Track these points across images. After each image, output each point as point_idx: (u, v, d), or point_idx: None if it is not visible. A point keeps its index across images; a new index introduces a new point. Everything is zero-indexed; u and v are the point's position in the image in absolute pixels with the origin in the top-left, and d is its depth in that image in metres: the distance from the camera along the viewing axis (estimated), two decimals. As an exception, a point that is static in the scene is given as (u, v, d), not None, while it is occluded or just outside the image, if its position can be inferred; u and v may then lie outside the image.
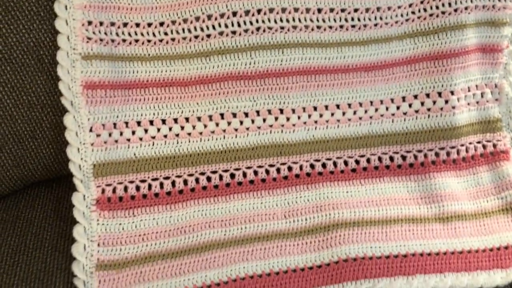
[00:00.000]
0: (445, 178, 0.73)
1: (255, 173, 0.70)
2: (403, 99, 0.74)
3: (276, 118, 0.70)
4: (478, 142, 0.76)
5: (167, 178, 0.68)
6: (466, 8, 0.71)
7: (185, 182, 0.68)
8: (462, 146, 0.74)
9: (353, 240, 0.66)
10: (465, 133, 0.74)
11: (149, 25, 0.66)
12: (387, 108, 0.74)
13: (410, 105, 0.74)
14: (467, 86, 0.74)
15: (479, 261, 0.66)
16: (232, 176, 0.70)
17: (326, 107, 0.72)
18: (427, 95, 0.73)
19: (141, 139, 0.67)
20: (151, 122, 0.68)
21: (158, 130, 0.68)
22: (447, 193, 0.72)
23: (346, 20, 0.69)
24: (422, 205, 0.72)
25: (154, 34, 0.66)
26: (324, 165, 0.72)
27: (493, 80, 0.76)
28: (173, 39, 0.67)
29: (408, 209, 0.71)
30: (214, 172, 0.69)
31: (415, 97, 0.74)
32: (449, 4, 0.70)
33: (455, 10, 0.70)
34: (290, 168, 0.71)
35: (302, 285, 0.63)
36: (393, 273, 0.64)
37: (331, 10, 0.69)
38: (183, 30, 0.67)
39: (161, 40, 0.67)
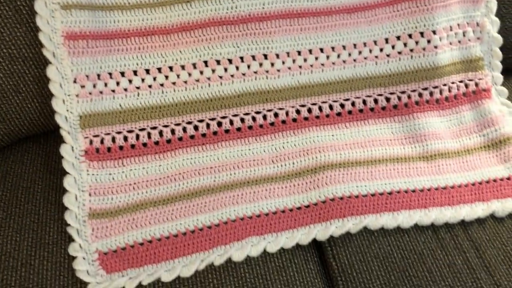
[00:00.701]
0: (428, 118, 0.75)
1: (242, 120, 0.71)
2: (386, 40, 0.74)
3: (261, 64, 0.70)
4: (461, 81, 0.77)
5: (154, 128, 0.68)
6: None
7: (173, 131, 0.69)
8: (445, 86, 0.75)
9: (339, 180, 0.68)
10: (448, 73, 0.75)
11: (127, -28, 0.65)
12: (370, 51, 0.74)
13: (393, 47, 0.74)
14: (449, 25, 0.74)
15: (462, 195, 0.68)
16: (219, 124, 0.70)
17: (310, 51, 0.72)
18: (410, 36, 0.74)
19: (126, 89, 0.67)
20: (135, 72, 0.68)
21: (143, 80, 0.68)
22: (430, 132, 0.74)
23: (327, -39, 0.69)
24: (406, 145, 0.73)
25: (133, -18, 0.65)
26: (309, 110, 0.73)
27: (475, 19, 0.76)
28: (152, -14, 0.66)
29: (393, 149, 0.72)
30: (201, 120, 0.70)
31: (398, 38, 0.74)
32: None
33: None
34: (276, 115, 0.72)
35: (291, 224, 0.65)
36: (379, 209, 0.66)
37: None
38: (163, -24, 0.66)
39: (140, -12, 0.66)
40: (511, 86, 0.83)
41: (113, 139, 0.67)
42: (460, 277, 0.61)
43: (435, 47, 0.73)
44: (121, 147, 0.67)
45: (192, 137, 0.69)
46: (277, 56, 0.71)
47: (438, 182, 0.69)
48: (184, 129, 0.69)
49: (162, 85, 0.69)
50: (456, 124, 0.76)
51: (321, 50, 0.72)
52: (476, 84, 0.77)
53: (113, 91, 0.67)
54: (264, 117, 0.72)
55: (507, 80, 0.82)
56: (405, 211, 0.66)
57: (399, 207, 0.66)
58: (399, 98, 0.75)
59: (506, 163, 0.72)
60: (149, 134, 0.68)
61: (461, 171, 0.71)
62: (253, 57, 0.70)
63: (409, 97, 0.75)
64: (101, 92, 0.66)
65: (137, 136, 0.68)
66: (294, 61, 0.71)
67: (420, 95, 0.75)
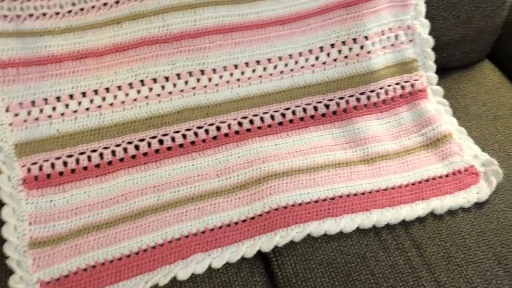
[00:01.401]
0: (367, 121, 0.76)
1: (184, 136, 0.71)
2: (321, 49, 0.75)
3: (198, 80, 0.71)
4: (397, 84, 0.79)
5: (94, 150, 0.68)
6: (371, -46, 0.72)
7: (113, 153, 0.68)
8: (381, 89, 0.77)
9: (283, 189, 0.68)
10: (383, 76, 0.77)
11: (54, -4, 0.65)
12: (306, 60, 0.75)
13: (328, 55, 0.76)
14: (380, 30, 0.76)
15: (402, 195, 0.70)
16: (161, 142, 0.70)
17: (247, 64, 0.73)
18: (343, 43, 0.75)
19: (62, 114, 0.67)
20: (71, 96, 0.67)
21: (79, 103, 0.68)
22: (370, 135, 0.75)
23: (255, -26, 0.70)
24: (347, 149, 0.75)
25: (61, 6, 0.65)
26: (251, 122, 0.74)
27: (405, 22, 0.78)
28: (82, 9, 0.66)
29: (335, 155, 0.74)
30: (141, 140, 0.69)
31: (332, 46, 0.75)
32: (354, -49, 0.72)
33: (360, -44, 0.72)
34: (218, 128, 0.72)
35: (236, 238, 0.65)
36: (322, 216, 0.67)
37: (238, -35, 0.69)
38: (91, -2, 0.65)
39: (69, 12, 0.65)
40: (446, 84, 0.86)
41: (52, 165, 0.66)
42: (402, 277, 0.62)
43: (369, 52, 0.75)
44: (61, 173, 0.66)
45: (133, 157, 0.69)
46: (214, 71, 0.71)
47: (379, 184, 0.71)
48: (125, 150, 0.69)
49: (99, 107, 0.68)
50: (395, 126, 0.78)
51: (258, 62, 0.73)
52: (412, 85, 0.79)
53: (50, 116, 0.66)
54: (206, 131, 0.72)
55: (442, 79, 0.85)
56: (347, 215, 0.67)
57: (342, 211, 0.68)
58: (338, 104, 0.76)
59: (444, 161, 0.74)
60: (89, 157, 0.67)
61: (401, 172, 0.73)
62: (190, 73, 0.70)
63: (347, 102, 0.76)
64: (36, 119, 0.65)
65: (77, 160, 0.67)
66: (231, 74, 0.72)
67: (358, 99, 0.77)
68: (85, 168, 0.67)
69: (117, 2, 0.66)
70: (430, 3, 0.80)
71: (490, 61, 0.95)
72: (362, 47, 0.75)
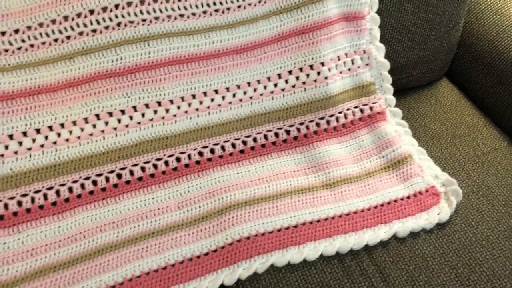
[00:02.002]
0: (328, 146, 0.77)
1: (143, 169, 0.70)
2: (279, 76, 0.76)
3: (155, 111, 0.70)
4: (356, 107, 0.79)
5: (50, 188, 0.66)
6: (322, -19, 0.73)
7: (70, 189, 0.67)
8: (341, 113, 0.78)
9: (245, 219, 0.68)
10: (342, 100, 0.78)
11: (3, 33, 0.63)
12: (265, 87, 0.75)
13: (286, 81, 0.76)
14: (336, 56, 0.77)
15: (365, 220, 0.70)
16: (119, 176, 0.69)
17: (205, 93, 0.72)
18: (300, 69, 0.76)
19: (16, 152, 0.65)
20: (25, 134, 0.66)
21: (34, 140, 0.66)
22: (331, 159, 0.75)
23: (208, 5, 0.70)
24: (309, 174, 0.75)
25: (10, 43, 0.64)
26: (212, 151, 0.73)
27: (361, 46, 0.79)
28: (32, 45, 0.64)
29: (297, 181, 0.73)
30: (99, 175, 0.68)
31: (290, 72, 0.76)
32: (306, -21, 0.72)
33: (312, -16, 0.73)
34: (178, 159, 0.71)
35: (198, 272, 0.64)
36: (285, 245, 0.66)
37: (191, -4, 0.69)
38: (41, 34, 0.64)
39: (19, 48, 0.64)
40: (406, 104, 0.87)
41: (6, 206, 0.64)
42: (366, 304, 0.62)
43: (326, 78, 0.76)
44: (15, 213, 0.64)
45: (91, 192, 0.67)
46: (171, 102, 0.71)
47: (341, 209, 0.71)
48: (82, 186, 0.67)
49: (55, 143, 0.67)
50: (356, 149, 0.78)
51: (216, 91, 0.73)
52: (371, 108, 0.80)
53: (2, 155, 0.64)
54: (166, 163, 0.71)
55: (402, 99, 0.86)
56: (310, 243, 0.67)
57: (305, 239, 0.67)
58: (298, 130, 0.77)
59: (406, 182, 0.74)
60: (45, 196, 0.66)
61: (363, 195, 0.73)
62: (147, 105, 0.70)
63: (307, 127, 0.77)
64: (-13, 159, 0.64)
65: (32, 199, 0.65)
66: (189, 104, 0.72)
67: (318, 124, 0.77)
68: (41, 207, 0.65)
69: (68, 38, 0.65)
70: (384, 26, 0.82)
71: (448, 79, 0.97)
72: (319, 73, 0.75)
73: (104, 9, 0.65)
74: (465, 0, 0.87)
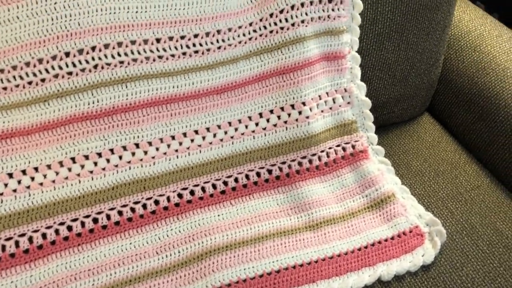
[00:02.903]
0: (311, 185, 0.75)
1: (120, 213, 0.68)
2: (260, 115, 0.75)
3: (133, 154, 0.68)
4: (338, 146, 0.79)
5: (22, 235, 0.63)
6: (302, 22, 0.73)
7: (44, 236, 0.64)
8: (323, 152, 0.77)
9: (226, 265, 0.66)
10: (324, 139, 0.77)
11: (-25, 76, 0.61)
12: (246, 126, 0.74)
13: (267, 120, 0.75)
14: (317, 95, 0.76)
15: (349, 263, 0.68)
16: (95, 220, 0.66)
17: (184, 134, 0.71)
18: (282, 109, 0.75)
19: (-14, 198, 0.62)
20: (-4, 179, 0.63)
21: (6, 185, 0.64)
22: (314, 199, 0.74)
23: (187, 46, 0.69)
24: (292, 215, 0.73)
25: (-18, 86, 0.62)
26: (192, 192, 0.71)
27: (342, 85, 0.79)
28: (5, 88, 0.63)
29: (279, 222, 0.72)
30: (74, 220, 0.66)
31: (271, 111, 0.75)
32: (286, 20, 0.72)
33: (293, 25, 0.72)
34: (157, 202, 0.69)
35: (177, 323, 0.62)
36: (267, 291, 0.64)
37: (170, 38, 0.68)
38: (14, 77, 0.62)
39: (-9, 91, 0.62)
40: (388, 141, 0.87)
41: (-26, 255, 0.61)
42: None
43: (307, 117, 0.75)
44: (-16, 263, 0.61)
45: (66, 238, 0.65)
46: (150, 143, 0.69)
47: (325, 252, 0.69)
48: (57, 232, 0.65)
49: (28, 187, 0.64)
50: (339, 188, 0.77)
51: (196, 132, 0.72)
52: (353, 147, 0.79)
53: (-29, 202, 0.62)
54: (144, 206, 0.69)
55: (384, 135, 0.86)
56: (293, 289, 0.65)
57: (288, 285, 0.65)
58: (281, 169, 0.75)
59: (389, 222, 0.73)
60: (17, 243, 0.63)
61: (346, 237, 0.72)
62: (124, 148, 0.68)
63: (289, 167, 0.75)
64: (-44, 206, 0.61)
65: (3, 247, 0.62)
66: (169, 146, 0.70)
67: (300, 164, 0.76)
68: (12, 255, 0.63)
69: (43, 80, 0.63)
70: (365, 65, 0.82)
71: (430, 114, 0.97)
72: (300, 113, 0.75)
73: (81, 52, 0.63)
74: (445, 37, 0.87)
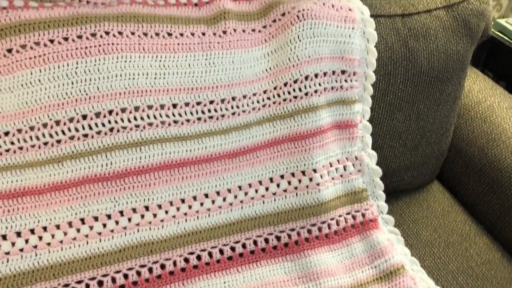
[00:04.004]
0: (320, 254, 0.74)
1: (125, 276, 0.67)
2: (271, 180, 0.75)
3: (142, 216, 0.68)
4: (348, 214, 0.78)
5: (26, 296, 0.62)
6: (316, 92, 0.74)
7: (47, 297, 0.63)
8: (333, 220, 0.76)
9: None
10: (334, 207, 0.76)
11: (-8, 136, 0.62)
12: (256, 191, 0.74)
13: (278, 185, 0.75)
14: (328, 162, 0.77)
15: None
16: (100, 283, 0.65)
17: (194, 198, 0.71)
18: (293, 174, 0.75)
19: (-8, 257, 0.62)
20: (4, 237, 0.63)
21: (13, 244, 0.63)
22: (323, 269, 0.73)
23: (203, 112, 0.70)
24: (300, 285, 0.72)
25: (-1, 145, 0.63)
26: (199, 257, 0.70)
27: (353, 153, 0.79)
28: (21, 148, 0.63)
29: (287, 292, 0.71)
30: (79, 282, 0.65)
31: (282, 177, 0.75)
32: (300, 89, 0.73)
33: (306, 94, 0.74)
34: (163, 266, 0.68)
35: None
36: None
37: (186, 104, 0.69)
38: (31, 138, 0.63)
39: (7, 150, 0.63)
40: (397, 208, 0.86)
41: (-24, 316, 0.60)
42: None
43: (318, 184, 0.75)
44: (-16, 324, 0.60)
45: (69, 301, 0.64)
46: (160, 206, 0.69)
47: (332, 325, 0.67)
48: (61, 294, 0.64)
49: (35, 247, 0.64)
50: (348, 257, 0.76)
51: (206, 195, 0.71)
52: (363, 215, 0.79)
53: (-22, 260, 0.61)
54: (150, 270, 0.68)
55: (393, 202, 0.85)
56: None
57: None
58: (289, 236, 0.75)
59: (399, 296, 0.72)
60: (20, 304, 0.62)
61: (355, 311, 0.70)
62: (134, 210, 0.68)
63: (298, 234, 0.75)
64: (-38, 264, 0.60)
65: (5, 308, 0.61)
66: (178, 209, 0.70)
67: (309, 231, 0.75)
68: (13, 316, 0.61)
69: (58, 142, 0.64)
70: (376, 133, 0.83)
71: (439, 182, 0.97)
72: (311, 179, 0.75)
73: (98, 115, 0.65)
74: (455, 108, 0.88)
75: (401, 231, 0.82)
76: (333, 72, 0.76)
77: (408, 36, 0.81)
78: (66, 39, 0.63)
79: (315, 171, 0.75)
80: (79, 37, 0.64)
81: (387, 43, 0.80)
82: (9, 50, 0.62)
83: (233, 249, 0.72)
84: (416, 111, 0.84)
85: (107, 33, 0.65)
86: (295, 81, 0.73)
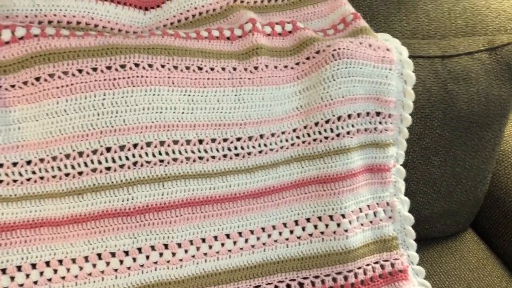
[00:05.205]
0: (344, 305, 0.70)
1: (140, 317, 0.64)
2: (296, 223, 0.71)
3: (161, 254, 0.65)
4: (376, 263, 0.74)
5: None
6: (348, 133, 0.71)
7: (58, 335, 0.61)
8: (360, 269, 0.72)
9: None
10: (361, 255, 0.72)
11: (14, 164, 0.61)
12: (280, 233, 0.71)
13: (303, 229, 0.71)
14: (358, 207, 0.73)
15: None
16: (113, 324, 0.63)
17: (215, 237, 0.68)
18: (319, 218, 0.71)
19: (6, 288, 0.60)
20: (19, 268, 0.61)
21: (27, 276, 0.61)
22: (347, 322, 0.69)
23: (229, 149, 0.67)
24: (322, 337, 0.68)
25: (20, 174, 0.61)
26: (217, 301, 0.67)
27: (384, 199, 0.75)
28: (42, 178, 0.62)
29: None
30: (92, 321, 0.62)
31: (308, 220, 0.71)
32: (331, 130, 0.70)
33: (338, 135, 0.71)
34: (179, 309, 0.65)
35: None
36: None
37: (213, 140, 0.67)
38: (53, 168, 0.62)
39: (28, 179, 0.62)
40: (428, 258, 0.81)
41: None
42: None
43: (346, 230, 0.71)
44: None
45: None
46: (179, 245, 0.66)
47: None
48: (71, 332, 0.61)
49: (49, 280, 0.62)
50: (375, 310, 0.71)
51: (228, 236, 0.68)
52: (392, 265, 0.74)
53: (-10, 292, 0.59)
54: (166, 312, 0.65)
55: (424, 251, 0.81)
56: None
57: None
58: (313, 284, 0.71)
59: None
60: None
61: None
62: (153, 248, 0.65)
63: (323, 282, 0.71)
64: (-26, 296, 0.59)
65: None
66: (198, 248, 0.67)
67: (335, 280, 0.71)
68: None
69: (80, 173, 0.62)
70: (410, 178, 0.79)
71: (473, 230, 0.91)
72: (339, 225, 0.71)
73: (122, 148, 0.63)
74: (494, 154, 0.84)
75: (431, 283, 0.76)
76: (368, 114, 0.73)
77: (448, 78, 0.77)
78: (95, 69, 0.62)
79: (343, 216, 0.71)
80: (108, 68, 0.62)
81: (425, 85, 0.77)
82: (37, 79, 0.61)
83: (252, 295, 0.69)
84: (452, 157, 0.80)
85: (136, 65, 0.63)
86: (327, 121, 0.70)
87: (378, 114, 0.74)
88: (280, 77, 0.70)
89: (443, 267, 0.81)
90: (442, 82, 0.77)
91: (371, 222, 0.74)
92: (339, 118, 0.70)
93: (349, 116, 0.71)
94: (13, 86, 0.61)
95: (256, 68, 0.69)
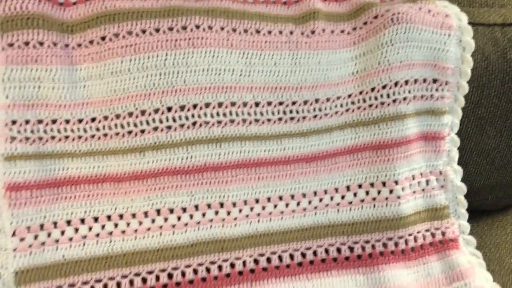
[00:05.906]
0: (394, 270, 0.71)
1: (195, 271, 0.66)
2: (348, 188, 0.72)
3: (217, 212, 0.67)
4: (427, 231, 0.74)
5: (98, 281, 0.63)
6: (404, 99, 0.71)
7: (118, 285, 0.63)
8: (410, 236, 0.72)
9: None
10: (413, 222, 0.72)
11: (80, 121, 0.64)
12: (331, 198, 0.72)
13: (355, 194, 0.72)
14: (411, 175, 0.73)
15: None
16: (170, 276, 0.65)
17: (269, 199, 0.69)
18: (371, 185, 0.72)
19: (71, 239, 0.63)
20: (82, 221, 0.64)
21: (90, 228, 0.64)
22: (396, 286, 0.69)
23: (284, 112, 0.68)
24: (371, 300, 0.69)
25: (85, 130, 0.64)
26: (269, 260, 0.69)
27: (438, 167, 0.75)
28: (105, 135, 0.64)
29: (357, 306, 0.68)
30: (150, 272, 0.65)
31: (360, 186, 0.72)
32: (388, 95, 0.70)
33: (394, 101, 0.70)
34: (232, 265, 0.67)
35: None
36: None
37: (269, 103, 0.68)
38: (116, 125, 0.64)
39: (92, 136, 0.64)
40: (478, 230, 0.81)
41: (51, 296, 0.61)
42: None
43: (398, 197, 0.71)
44: (58, 305, 0.61)
45: (138, 290, 0.64)
46: (234, 204, 0.68)
47: None
48: (131, 282, 0.64)
49: (110, 233, 0.65)
50: (424, 277, 0.72)
51: (280, 198, 0.70)
52: (443, 234, 0.74)
53: (57, 241, 0.63)
54: (220, 267, 0.67)
55: (474, 223, 0.80)
56: None
57: None
58: (363, 248, 0.71)
59: (478, 323, 0.67)
60: (92, 288, 0.63)
61: (429, 333, 0.66)
62: (209, 206, 0.67)
63: (373, 247, 0.71)
64: (43, 244, 0.62)
65: (79, 291, 0.62)
66: (252, 209, 0.69)
67: (385, 245, 0.72)
68: (85, 300, 0.62)
69: (142, 131, 0.64)
70: (463, 148, 0.78)
71: (524, 205, 0.90)
72: (391, 191, 0.71)
73: (182, 108, 0.64)
74: (552, 127, 0.82)
75: (482, 255, 0.76)
76: (424, 80, 0.72)
77: (508, 47, 0.76)
78: (157, 30, 0.64)
79: (396, 183, 0.71)
80: (170, 29, 0.64)
81: (484, 53, 0.75)
82: (103, 38, 0.63)
83: (303, 255, 0.70)
84: (508, 128, 0.79)
85: (197, 26, 0.64)
86: (383, 87, 0.70)
87: (435, 81, 0.73)
88: (336, 42, 0.70)
89: (493, 240, 0.81)
90: (501, 50, 0.76)
91: (423, 190, 0.74)
92: (396, 84, 0.70)
93: (406, 82, 0.71)
94: (79, 45, 0.63)
95: (313, 32, 0.69)
